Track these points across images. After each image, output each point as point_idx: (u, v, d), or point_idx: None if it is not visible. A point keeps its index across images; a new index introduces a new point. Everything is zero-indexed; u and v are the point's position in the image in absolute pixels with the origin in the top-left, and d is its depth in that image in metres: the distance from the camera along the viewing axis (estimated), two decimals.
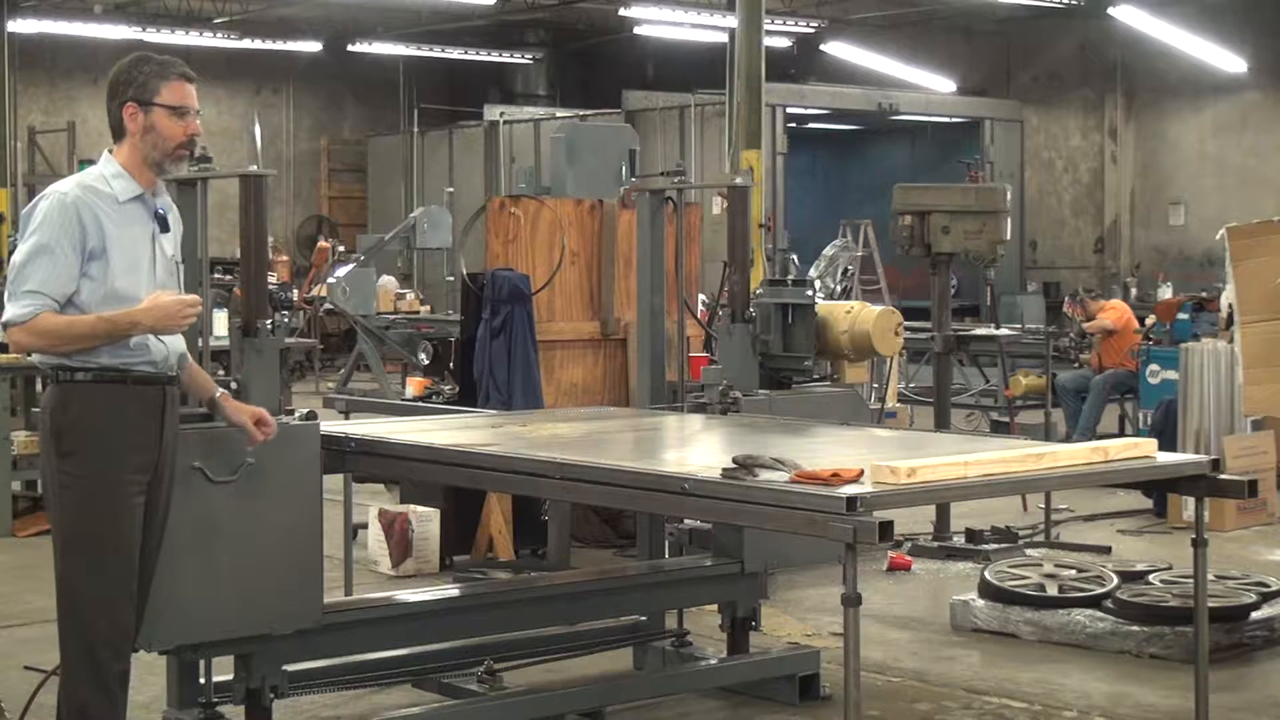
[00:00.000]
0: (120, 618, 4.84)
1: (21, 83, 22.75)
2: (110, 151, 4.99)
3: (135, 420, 4.84)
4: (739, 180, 7.22)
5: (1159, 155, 24.46)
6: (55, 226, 4.76)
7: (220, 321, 13.99)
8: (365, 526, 9.08)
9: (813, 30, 25.04)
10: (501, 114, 25.82)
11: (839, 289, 15.53)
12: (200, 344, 5.77)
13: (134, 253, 4.87)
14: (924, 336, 11.30)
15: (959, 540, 9.45)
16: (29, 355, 4.96)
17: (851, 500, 4.41)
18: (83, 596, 4.81)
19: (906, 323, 8.95)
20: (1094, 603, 7.43)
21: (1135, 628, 7.18)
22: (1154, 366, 12.61)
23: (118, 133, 4.98)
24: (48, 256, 4.74)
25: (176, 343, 5.00)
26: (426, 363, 14.73)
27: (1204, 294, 13.80)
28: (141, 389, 4.86)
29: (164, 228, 5.00)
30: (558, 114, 25.10)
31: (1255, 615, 7.26)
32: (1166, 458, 5.50)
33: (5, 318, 4.79)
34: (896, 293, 19.26)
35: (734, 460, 4.81)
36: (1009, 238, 9.89)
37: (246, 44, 26.05)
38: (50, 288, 4.73)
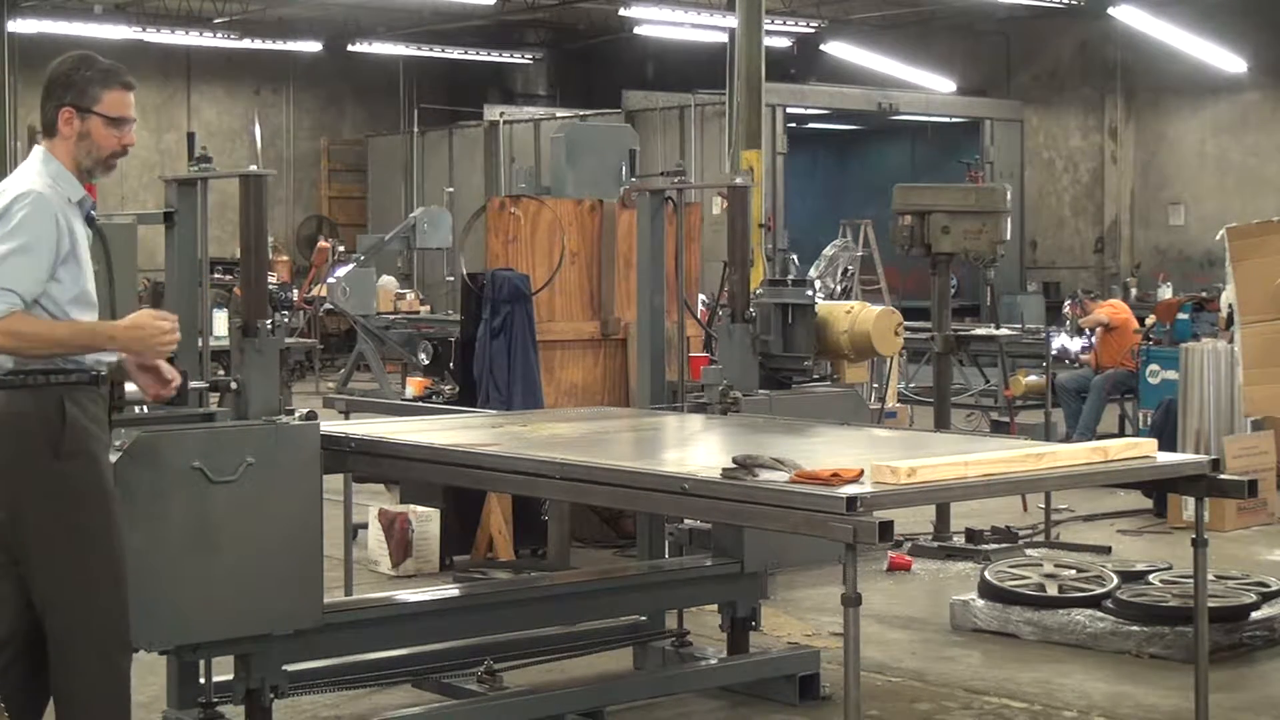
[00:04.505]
0: (126, 614, 4.80)
1: (21, 83, 22.67)
2: (45, 149, 4.85)
3: (100, 417, 4.81)
4: (739, 180, 7.21)
5: (1159, 155, 24.45)
6: (37, 228, 4.64)
7: (220, 321, 14.02)
8: (365, 526, 9.08)
9: (813, 30, 25.04)
10: (501, 114, 25.82)
11: (839, 289, 15.55)
12: (200, 344, 5.78)
13: (87, 254, 4.82)
14: (924, 336, 11.30)
15: (959, 540, 9.45)
16: None
17: (851, 500, 4.41)
18: (104, 603, 4.74)
19: (906, 323, 8.97)
20: (1094, 603, 7.43)
21: (1135, 628, 7.18)
22: (1154, 366, 12.61)
23: (50, 132, 4.84)
24: (26, 256, 4.62)
25: None
26: (426, 363, 14.72)
27: (1204, 294, 13.81)
28: (101, 388, 4.83)
29: (91, 227, 4.94)
30: (558, 114, 25.10)
31: (1255, 615, 7.26)
32: (1166, 458, 5.50)
33: None
34: (896, 293, 19.24)
35: (734, 460, 4.80)
36: (1009, 238, 9.89)
37: (246, 44, 26.04)
38: (23, 287, 4.61)
